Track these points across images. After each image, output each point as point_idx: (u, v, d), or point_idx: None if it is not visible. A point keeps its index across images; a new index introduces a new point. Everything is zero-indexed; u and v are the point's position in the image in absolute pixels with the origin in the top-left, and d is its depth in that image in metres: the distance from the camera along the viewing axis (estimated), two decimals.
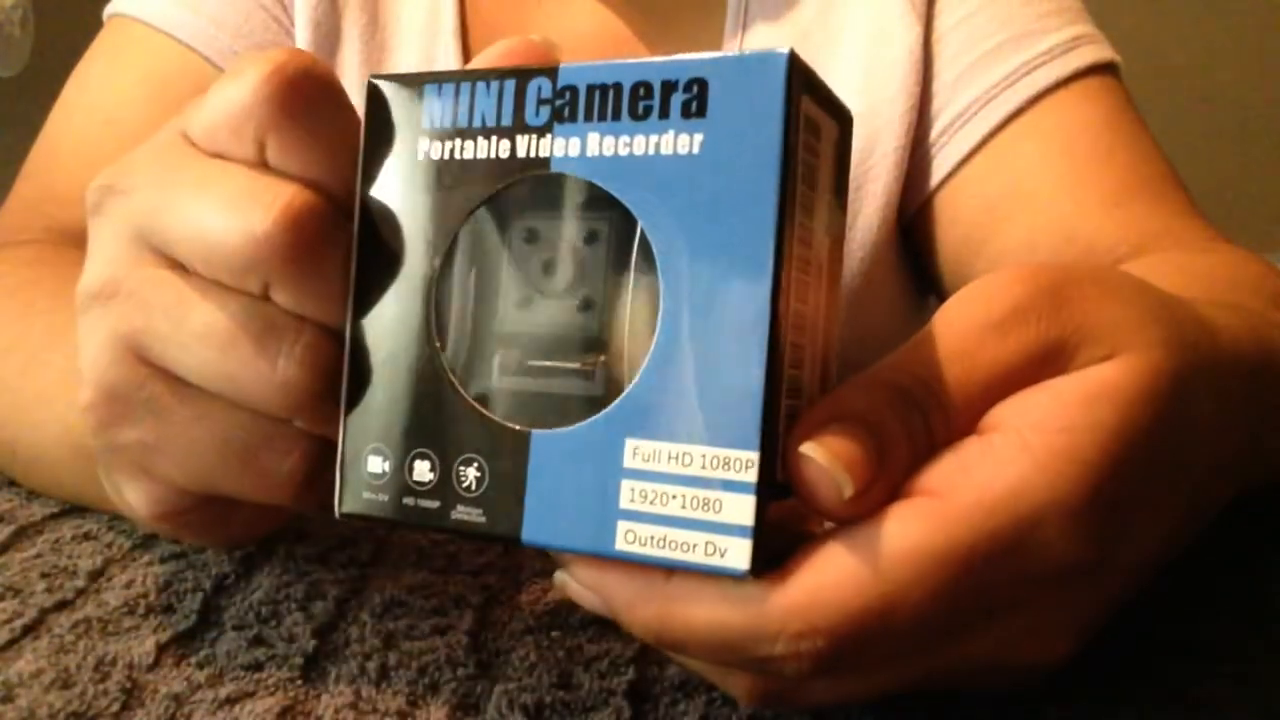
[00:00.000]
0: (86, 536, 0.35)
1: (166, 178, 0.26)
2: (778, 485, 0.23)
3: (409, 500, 0.26)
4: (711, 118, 0.23)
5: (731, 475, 0.22)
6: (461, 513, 0.25)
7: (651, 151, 0.24)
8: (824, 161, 0.24)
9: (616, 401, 0.24)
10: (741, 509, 0.22)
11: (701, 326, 0.23)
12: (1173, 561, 0.27)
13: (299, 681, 0.27)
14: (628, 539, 0.23)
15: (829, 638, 0.21)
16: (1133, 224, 0.52)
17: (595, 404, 0.24)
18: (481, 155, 0.25)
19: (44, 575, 0.32)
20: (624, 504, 0.23)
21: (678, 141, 0.23)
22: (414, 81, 0.26)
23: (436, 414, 0.26)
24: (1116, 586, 0.24)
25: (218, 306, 0.26)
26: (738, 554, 0.22)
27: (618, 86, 0.24)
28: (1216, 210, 0.54)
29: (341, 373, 0.26)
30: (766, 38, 0.60)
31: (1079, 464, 0.22)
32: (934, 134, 0.58)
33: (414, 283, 0.26)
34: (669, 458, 0.23)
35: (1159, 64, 2.05)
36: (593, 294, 0.24)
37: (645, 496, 0.23)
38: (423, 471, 0.26)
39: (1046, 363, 0.23)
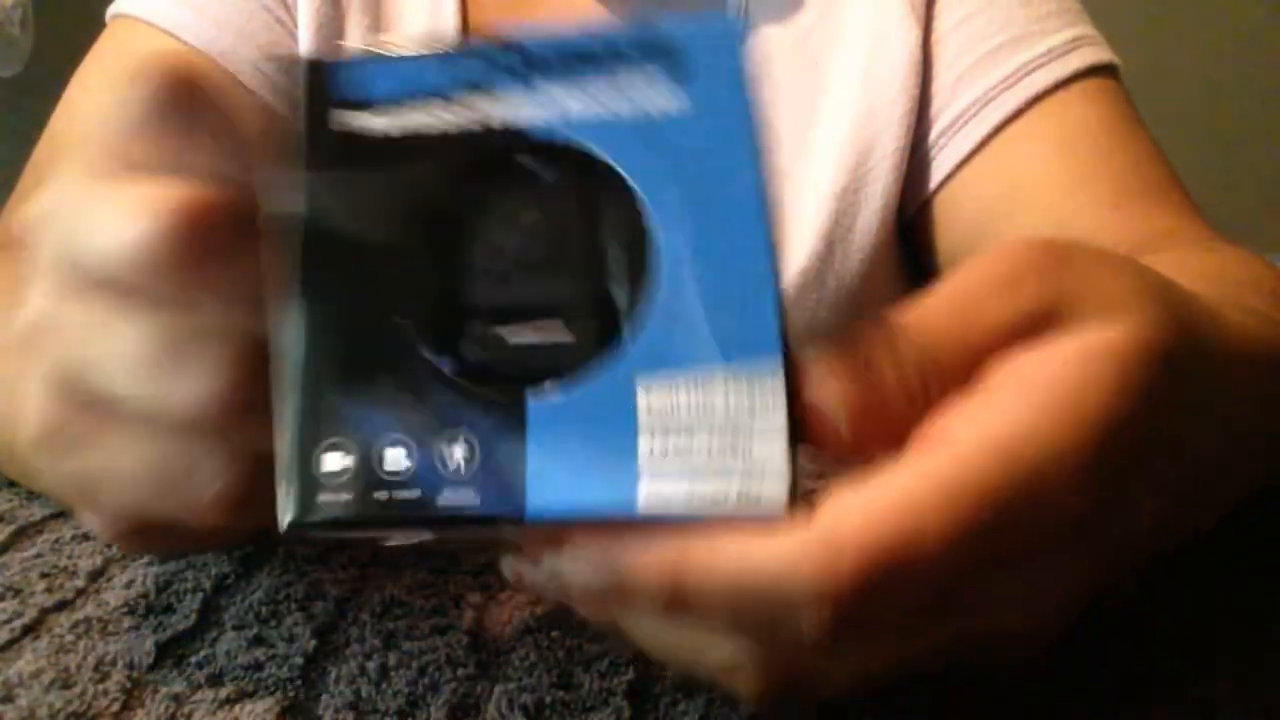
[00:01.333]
0: (86, 536, 0.35)
1: (76, 197, 0.26)
2: (796, 423, 0.22)
3: (380, 494, 0.22)
4: (685, 75, 0.24)
5: (757, 395, 0.21)
6: (449, 498, 0.22)
7: (627, 111, 0.24)
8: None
9: (620, 347, 0.22)
10: (772, 444, 0.21)
11: (704, 260, 0.23)
12: (1171, 559, 0.27)
13: (299, 681, 0.27)
14: (652, 501, 0.21)
15: (855, 574, 0.20)
16: (1132, 224, 0.52)
17: (589, 359, 0.22)
18: (439, 126, 0.24)
19: (44, 575, 0.32)
20: (642, 458, 0.21)
21: (654, 100, 0.24)
22: (357, 58, 0.25)
23: (409, 394, 0.23)
24: (1107, 556, 0.24)
25: (135, 327, 0.25)
26: (772, 492, 0.21)
27: (588, 53, 0.24)
28: (1216, 210, 0.54)
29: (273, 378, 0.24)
30: (767, 39, 0.60)
31: (1079, 418, 0.22)
32: (933, 135, 0.58)
33: (368, 261, 0.24)
34: (686, 394, 0.21)
35: (1159, 64, 2.05)
36: (568, 250, 0.24)
37: (665, 445, 0.21)
38: (396, 460, 0.23)
39: (1044, 323, 0.23)
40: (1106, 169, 0.54)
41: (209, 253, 0.24)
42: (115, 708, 0.26)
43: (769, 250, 0.23)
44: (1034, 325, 0.23)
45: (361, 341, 0.23)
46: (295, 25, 0.58)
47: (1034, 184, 0.55)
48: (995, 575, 0.22)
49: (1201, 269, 0.43)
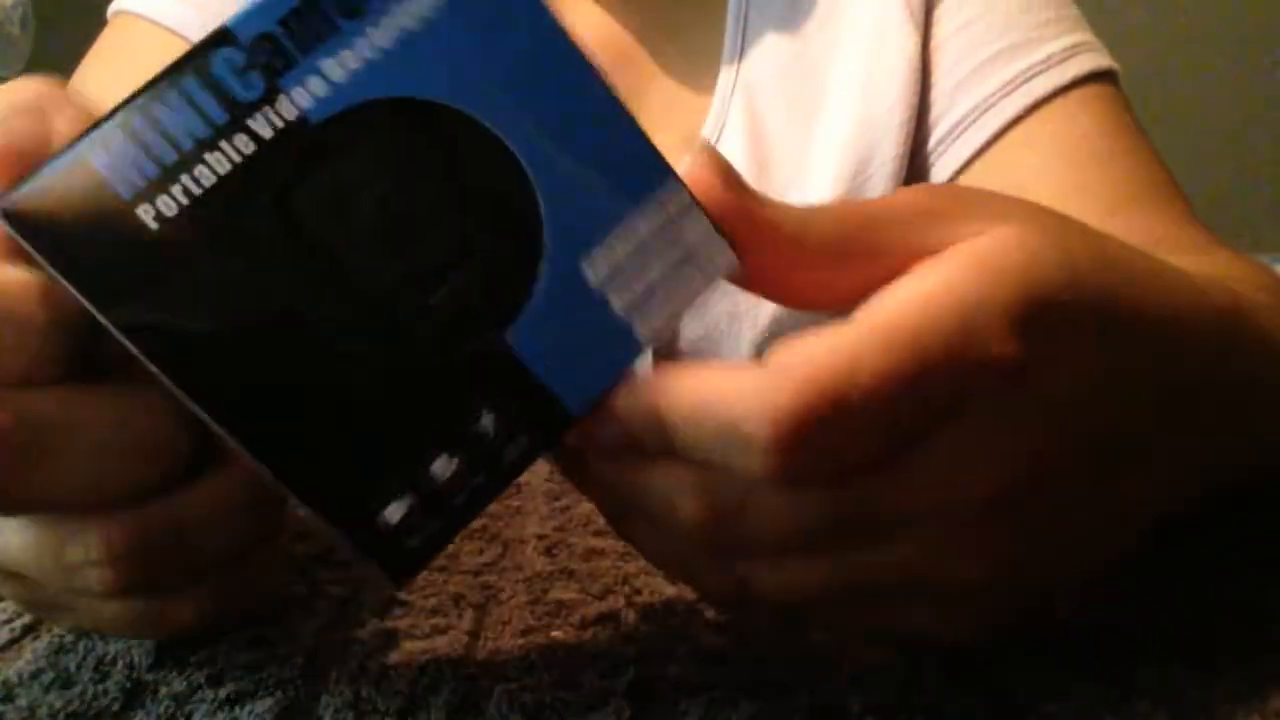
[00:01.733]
0: None
1: None
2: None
3: (456, 500, 0.23)
4: None
5: (669, 209, 0.24)
6: (511, 452, 0.24)
7: (385, 41, 0.22)
8: None
9: (540, 246, 0.23)
10: (697, 224, 0.24)
11: (560, 133, 0.23)
12: (1170, 561, 0.27)
13: (299, 681, 0.27)
14: (645, 329, 0.24)
15: (796, 402, 0.22)
16: (1131, 231, 0.52)
17: (522, 277, 0.23)
18: (224, 170, 0.21)
19: None
20: (620, 310, 0.24)
21: (408, 14, 0.22)
22: (78, 158, 0.21)
23: (419, 404, 0.23)
24: (1052, 434, 0.24)
25: (15, 528, 0.25)
26: (718, 252, 0.24)
27: (312, 4, 0.22)
28: (1215, 214, 0.54)
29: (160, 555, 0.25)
30: (766, 45, 0.60)
31: (1003, 271, 0.23)
32: (932, 142, 0.58)
33: (263, 332, 0.22)
34: (620, 246, 0.24)
35: (1159, 64, 2.05)
36: (434, 193, 0.23)
37: (632, 286, 0.24)
38: (444, 466, 0.23)
39: (946, 239, 0.24)
40: (1105, 175, 0.54)
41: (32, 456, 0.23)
42: (115, 708, 0.26)
43: (602, 84, 0.23)
44: (938, 242, 0.24)
45: (330, 389, 0.22)
46: None
47: (1032, 190, 0.55)
48: (935, 434, 0.23)
49: (1202, 272, 0.43)
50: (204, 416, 0.22)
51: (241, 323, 0.22)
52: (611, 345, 0.24)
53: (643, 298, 0.24)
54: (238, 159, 0.21)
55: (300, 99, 0.21)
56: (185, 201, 0.21)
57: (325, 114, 0.22)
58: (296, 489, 0.22)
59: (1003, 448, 0.24)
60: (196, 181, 0.21)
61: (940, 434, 0.23)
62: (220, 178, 0.21)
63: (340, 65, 0.22)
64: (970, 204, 0.25)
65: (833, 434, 0.22)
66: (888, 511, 0.24)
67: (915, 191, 0.26)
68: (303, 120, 0.21)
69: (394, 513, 0.23)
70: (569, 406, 0.24)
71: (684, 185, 0.24)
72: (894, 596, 0.25)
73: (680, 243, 0.24)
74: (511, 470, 0.24)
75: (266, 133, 0.21)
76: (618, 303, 0.24)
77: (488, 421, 0.23)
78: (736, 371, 0.23)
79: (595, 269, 0.24)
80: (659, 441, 0.24)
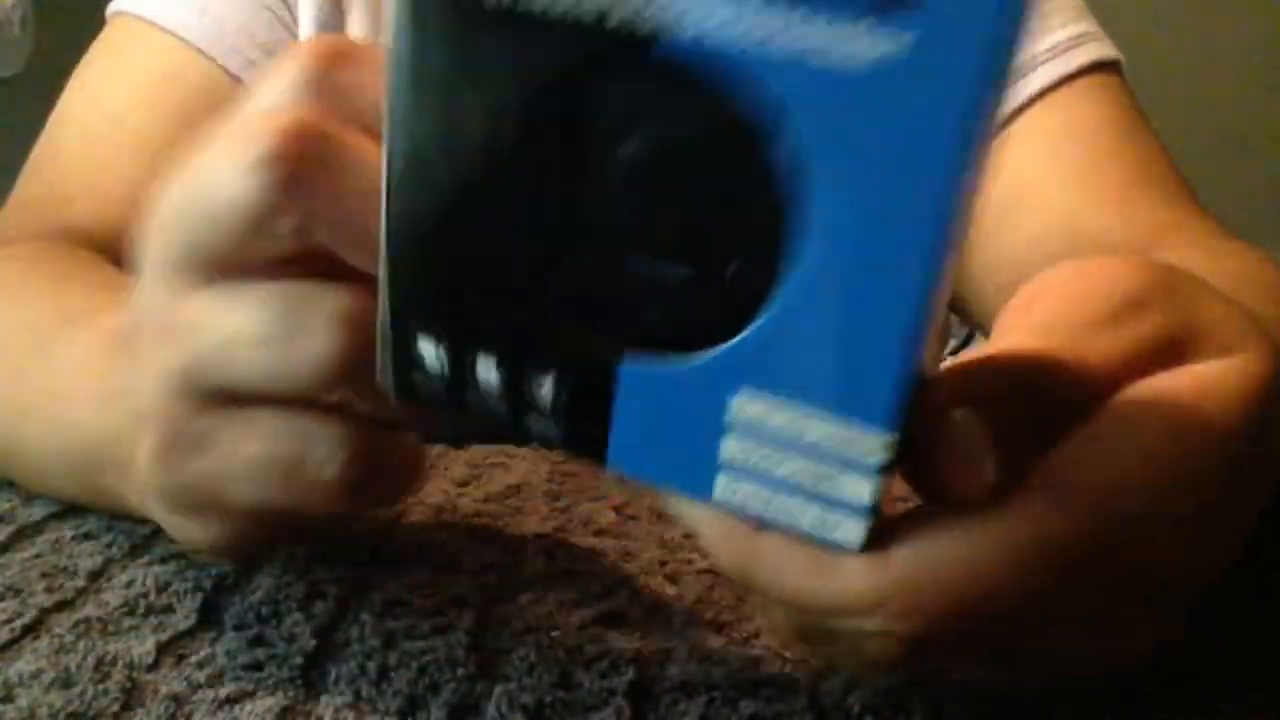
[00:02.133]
0: (86, 536, 0.35)
1: (185, 173, 0.26)
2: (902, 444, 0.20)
3: (471, 396, 0.22)
4: (917, 20, 0.17)
5: (854, 453, 0.19)
6: (535, 425, 0.22)
7: (819, 44, 0.18)
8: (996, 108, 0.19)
9: (730, 343, 0.20)
10: (861, 488, 0.20)
11: (844, 271, 0.19)
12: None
13: (299, 681, 0.27)
14: (726, 490, 0.21)
15: (929, 617, 0.20)
16: (1139, 220, 0.52)
17: (698, 332, 0.20)
18: (571, 11, 0.19)
19: (44, 575, 0.32)
20: (724, 457, 0.20)
21: (857, 41, 0.18)
22: None
23: (504, 309, 0.22)
24: (1190, 600, 0.23)
25: (249, 300, 0.25)
26: (851, 532, 0.20)
27: None
28: (1218, 208, 0.54)
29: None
30: None
31: (1188, 463, 0.21)
32: None
33: (478, 156, 0.21)
34: (784, 420, 0.20)
35: (1159, 64, 2.05)
36: (707, 203, 0.20)
37: (751, 454, 0.20)
38: (488, 370, 0.22)
39: (1161, 354, 0.22)
40: (1111, 164, 0.54)
41: (312, 174, 0.24)
42: (115, 708, 0.26)
43: (925, 283, 0.18)
44: (1150, 357, 0.22)
45: (465, 232, 0.21)
46: (296, 24, 0.58)
47: (1039, 180, 0.55)
48: (1072, 624, 0.22)
49: (1210, 273, 0.43)
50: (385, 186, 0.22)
51: (466, 145, 0.21)
52: (686, 468, 0.21)
53: (751, 468, 0.20)
54: (588, 13, 0.19)
55: (681, 16, 0.18)
56: (515, 6, 0.20)
57: (708, 48, 0.18)
58: (396, 269, 0.22)
59: (1157, 616, 0.23)
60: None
61: (1083, 620, 0.22)
62: (579, 17, 0.19)
63: (763, 21, 0.18)
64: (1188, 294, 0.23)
65: (968, 633, 0.21)
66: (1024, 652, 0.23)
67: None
68: (688, 41, 0.19)
69: (427, 349, 0.22)
70: (608, 458, 0.22)
71: (889, 452, 0.19)
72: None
73: (827, 479, 0.20)
74: (520, 435, 0.23)
75: (627, 12, 0.19)
76: (726, 451, 0.20)
77: (545, 386, 0.22)
78: (849, 571, 0.20)
79: (742, 404, 0.20)
80: (741, 581, 0.22)
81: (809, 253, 0.19)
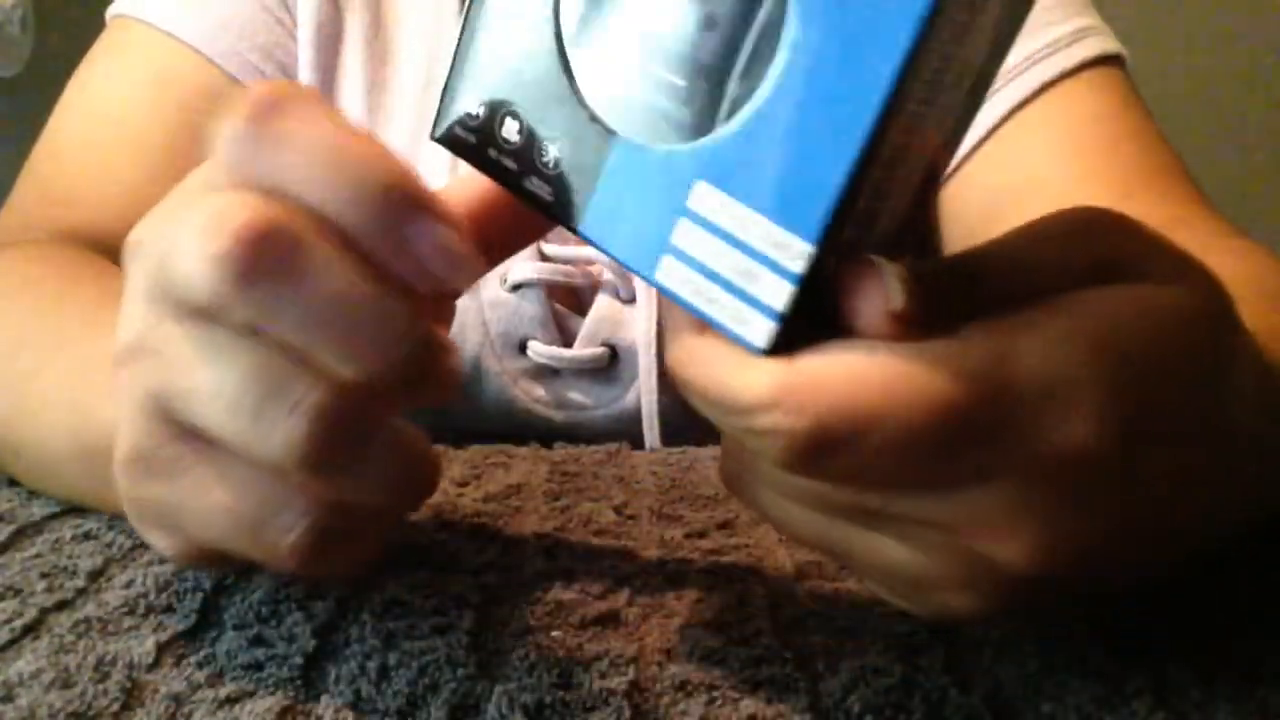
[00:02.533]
0: (86, 536, 0.35)
1: (165, 222, 0.25)
2: (819, 292, 0.23)
3: (493, 152, 0.27)
4: None
5: (780, 257, 0.22)
6: (534, 185, 0.26)
7: None
8: None
9: (703, 140, 0.23)
10: (778, 292, 0.22)
11: (810, 98, 0.22)
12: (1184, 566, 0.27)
13: (299, 681, 0.27)
14: (666, 273, 0.24)
15: (818, 422, 0.21)
16: (1142, 214, 0.51)
17: (682, 130, 0.24)
18: None
19: (44, 575, 0.32)
20: (674, 239, 0.24)
21: None
22: None
23: (537, 82, 0.26)
24: (1115, 512, 0.23)
25: (228, 357, 0.24)
26: (759, 330, 0.23)
27: None
28: (1222, 206, 0.54)
29: (352, 431, 0.25)
30: None
31: (1114, 352, 0.22)
32: None
33: None
34: (730, 216, 0.23)
35: (1160, 64, 2.05)
36: (718, 13, 0.23)
37: (696, 241, 0.23)
38: (511, 131, 0.26)
39: (1112, 275, 0.23)
40: (1114, 158, 0.54)
41: (276, 271, 0.23)
42: (115, 708, 0.26)
43: (869, 130, 0.21)
44: (1095, 274, 0.23)
45: (518, 16, 0.26)
46: (295, 25, 0.58)
47: (1042, 173, 0.54)
48: (965, 479, 0.22)
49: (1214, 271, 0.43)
50: None
51: None
52: (640, 244, 0.24)
53: (689, 259, 0.24)
54: None
55: None
56: None
57: None
58: (461, 38, 0.27)
59: (1046, 526, 0.22)
60: None
61: (977, 486, 0.22)
62: None
63: None
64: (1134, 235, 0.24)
65: (853, 455, 0.21)
66: (894, 522, 0.24)
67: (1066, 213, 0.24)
68: None
69: (469, 104, 0.27)
70: (582, 222, 0.26)
71: (812, 259, 0.22)
72: (870, 573, 0.25)
73: (753, 277, 0.23)
74: (518, 194, 0.27)
75: None
76: (677, 233, 0.24)
77: (550, 151, 0.26)
78: (753, 368, 0.22)
79: (700, 199, 0.23)
80: (679, 383, 0.24)
81: (779, 74, 0.22)
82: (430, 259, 0.25)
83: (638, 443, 0.53)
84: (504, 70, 0.27)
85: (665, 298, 0.24)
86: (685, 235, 0.24)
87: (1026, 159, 0.55)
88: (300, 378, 0.24)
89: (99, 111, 0.56)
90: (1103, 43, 0.57)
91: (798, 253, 0.22)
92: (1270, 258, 0.45)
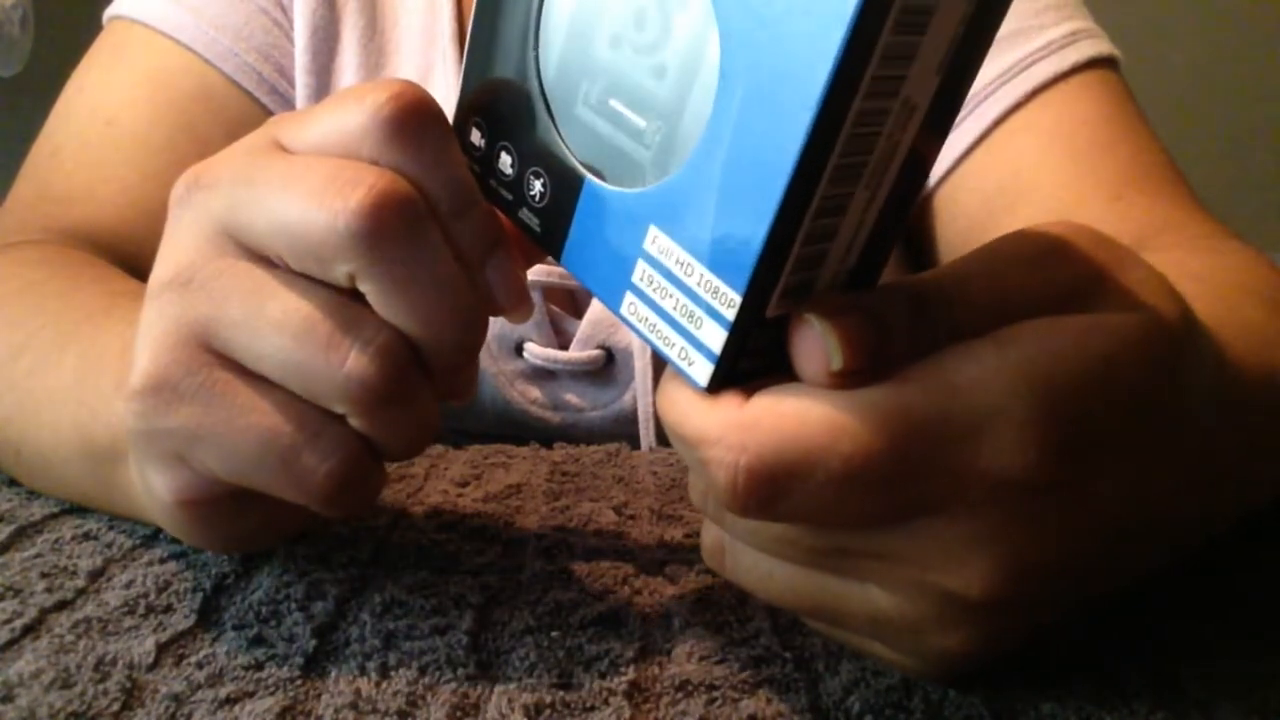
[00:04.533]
0: (86, 536, 0.35)
1: (254, 173, 0.27)
2: (770, 332, 0.24)
3: (493, 183, 0.29)
4: None
5: (716, 304, 0.23)
6: (526, 216, 0.28)
7: None
8: (938, 27, 0.22)
9: (656, 185, 0.24)
10: (714, 336, 0.24)
11: (738, 145, 0.22)
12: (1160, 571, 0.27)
13: (299, 681, 0.27)
14: (629, 309, 0.26)
15: (759, 458, 0.22)
16: (1134, 216, 0.52)
17: (641, 172, 0.25)
18: None
19: (44, 575, 0.32)
20: (635, 278, 0.25)
21: None
22: None
23: (522, 119, 0.27)
24: (1066, 532, 0.23)
25: (298, 295, 0.26)
26: (700, 370, 0.24)
27: None
28: (1216, 209, 0.54)
29: (409, 378, 0.27)
30: None
31: (1049, 382, 0.22)
32: None
33: (515, 28, 0.27)
34: (676, 260, 0.24)
35: (1159, 64, 2.05)
36: (669, 62, 0.24)
37: (651, 282, 0.25)
38: (505, 164, 0.28)
39: (1067, 302, 0.23)
40: (1107, 160, 0.54)
41: (393, 241, 0.26)
42: (115, 708, 0.26)
43: (787, 177, 0.21)
44: (1057, 302, 0.23)
45: (507, 53, 0.27)
46: (292, 27, 0.58)
47: (1034, 176, 0.54)
48: (912, 517, 0.23)
49: (1200, 273, 0.43)
50: None
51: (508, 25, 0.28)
52: (609, 280, 0.26)
53: (647, 298, 0.25)
54: None
55: None
56: None
57: None
58: (467, 76, 0.29)
59: (995, 552, 0.23)
60: None
61: (925, 519, 0.23)
62: None
63: None
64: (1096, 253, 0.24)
65: (795, 494, 0.22)
66: (858, 563, 0.24)
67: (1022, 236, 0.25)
68: None
69: (475, 137, 0.29)
70: (563, 255, 0.27)
71: (741, 308, 0.23)
72: (860, 630, 0.26)
73: (696, 321, 0.24)
74: (515, 223, 0.28)
75: None
76: (637, 273, 0.25)
77: (536, 185, 0.27)
78: (709, 407, 0.23)
79: (654, 242, 0.25)
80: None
81: (714, 123, 0.23)
82: (500, 289, 0.29)
83: (633, 445, 0.53)
84: (499, 105, 0.28)
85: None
86: (642, 275, 0.25)
87: (1019, 162, 0.55)
88: (369, 321, 0.26)
89: (97, 112, 0.56)
90: (1096, 45, 0.57)
91: (729, 301, 0.23)
92: (1259, 259, 0.45)
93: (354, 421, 0.27)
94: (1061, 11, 0.58)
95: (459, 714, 0.26)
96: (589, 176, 0.26)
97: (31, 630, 0.29)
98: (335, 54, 0.58)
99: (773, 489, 0.22)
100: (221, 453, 0.27)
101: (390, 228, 0.25)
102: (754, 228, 0.22)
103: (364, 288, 0.26)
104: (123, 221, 0.53)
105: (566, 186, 0.27)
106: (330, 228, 0.25)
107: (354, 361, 0.26)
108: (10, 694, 0.26)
